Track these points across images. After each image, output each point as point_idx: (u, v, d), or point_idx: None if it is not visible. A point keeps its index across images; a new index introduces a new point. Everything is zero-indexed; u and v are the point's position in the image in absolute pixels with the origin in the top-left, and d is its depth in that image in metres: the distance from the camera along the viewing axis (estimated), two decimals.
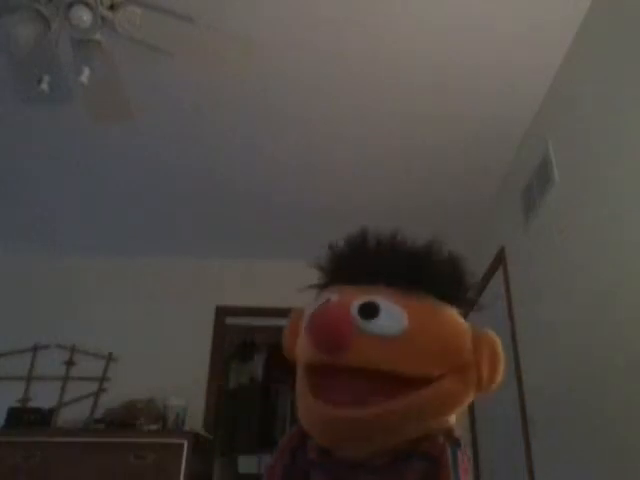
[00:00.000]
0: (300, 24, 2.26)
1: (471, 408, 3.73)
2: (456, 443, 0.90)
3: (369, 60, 2.43)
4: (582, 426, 2.18)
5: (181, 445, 3.15)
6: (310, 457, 0.95)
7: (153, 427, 3.34)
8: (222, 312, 4.11)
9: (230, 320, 4.15)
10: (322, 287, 1.05)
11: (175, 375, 3.70)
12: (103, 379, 3.82)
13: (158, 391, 3.56)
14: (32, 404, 3.66)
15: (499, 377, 0.93)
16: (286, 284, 4.14)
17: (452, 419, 0.95)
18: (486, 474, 3.47)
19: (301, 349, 0.95)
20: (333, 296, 0.93)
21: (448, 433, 0.91)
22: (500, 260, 3.26)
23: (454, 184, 3.31)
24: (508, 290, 3.11)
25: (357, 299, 0.89)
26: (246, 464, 4.47)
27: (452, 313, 0.95)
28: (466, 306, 0.98)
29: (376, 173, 3.24)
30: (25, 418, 3.37)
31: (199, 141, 2.99)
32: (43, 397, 3.67)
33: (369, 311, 0.87)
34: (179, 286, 4.17)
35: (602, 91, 2.08)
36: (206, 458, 3.68)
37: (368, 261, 0.98)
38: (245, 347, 4.80)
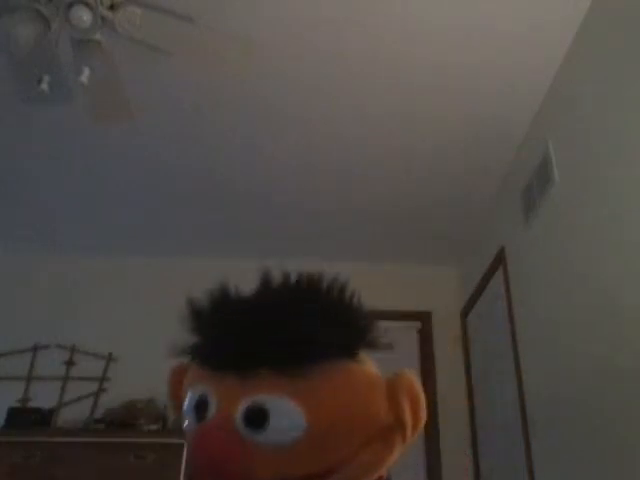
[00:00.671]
0: (300, 24, 2.26)
1: (471, 408, 3.73)
2: None
3: (369, 60, 2.44)
4: (582, 426, 2.18)
5: (181, 445, 3.15)
6: None
7: (153, 427, 3.34)
8: None
9: None
10: (190, 355, 0.87)
11: None
12: (103, 379, 3.81)
13: (158, 391, 3.56)
14: (32, 404, 3.65)
15: (423, 422, 0.78)
16: None
17: None
18: (486, 474, 3.47)
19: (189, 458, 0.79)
20: (208, 395, 0.77)
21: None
22: (500, 260, 3.26)
23: (454, 184, 3.31)
24: (508, 290, 3.11)
25: (240, 401, 0.72)
26: None
27: (356, 377, 0.77)
28: (373, 348, 0.79)
29: (376, 173, 3.24)
30: (25, 418, 3.37)
31: (199, 141, 2.99)
32: (43, 397, 3.66)
33: (257, 420, 0.70)
34: (179, 286, 4.14)
35: (602, 91, 2.08)
36: None
37: (241, 337, 0.75)
38: None
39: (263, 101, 2.69)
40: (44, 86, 1.87)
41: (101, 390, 3.78)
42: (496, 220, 3.41)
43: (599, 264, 2.07)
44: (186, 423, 0.80)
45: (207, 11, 2.10)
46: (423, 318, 3.96)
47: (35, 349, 3.86)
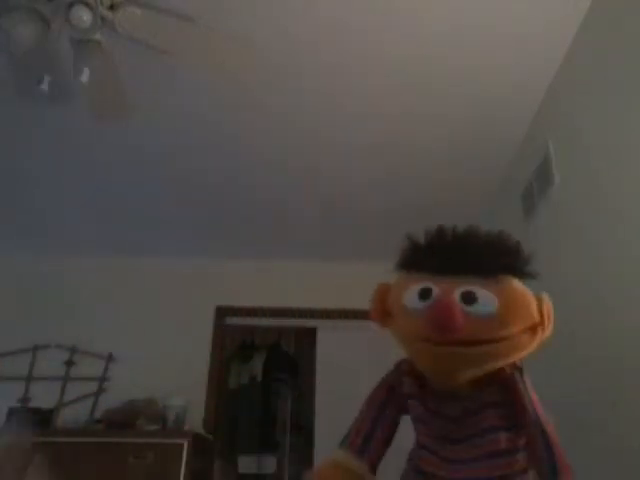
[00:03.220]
0: (300, 24, 2.26)
1: None
2: (518, 368, 1.25)
3: (369, 61, 2.43)
4: (582, 426, 2.18)
5: (181, 445, 3.15)
6: (406, 391, 1.27)
7: (153, 427, 3.34)
8: (222, 312, 4.11)
9: (230, 320, 4.15)
10: (404, 269, 1.29)
11: (175, 375, 3.70)
12: (103, 379, 3.82)
13: (158, 391, 3.56)
14: (32, 404, 3.66)
15: (551, 327, 1.21)
16: (286, 284, 4.16)
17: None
18: None
19: (412, 327, 1.17)
20: (430, 285, 1.17)
21: (513, 365, 1.24)
22: None
23: (454, 184, 3.31)
24: None
25: (456, 289, 1.13)
26: (246, 464, 4.46)
27: (521, 286, 1.20)
28: (527, 277, 1.22)
29: (376, 174, 3.24)
30: (25, 418, 3.37)
31: (198, 141, 2.99)
32: (43, 397, 3.67)
33: (469, 298, 1.12)
34: (179, 286, 4.17)
35: (602, 91, 2.08)
36: (206, 458, 3.68)
37: (459, 255, 1.20)
38: (245, 347, 4.80)
39: (263, 101, 2.69)
40: (44, 86, 1.87)
41: (101, 390, 3.79)
42: (496, 220, 3.41)
43: (599, 264, 2.07)
44: (409, 305, 1.18)
45: (207, 11, 2.10)
46: None
47: (35, 349, 3.86)
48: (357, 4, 2.17)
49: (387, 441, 1.29)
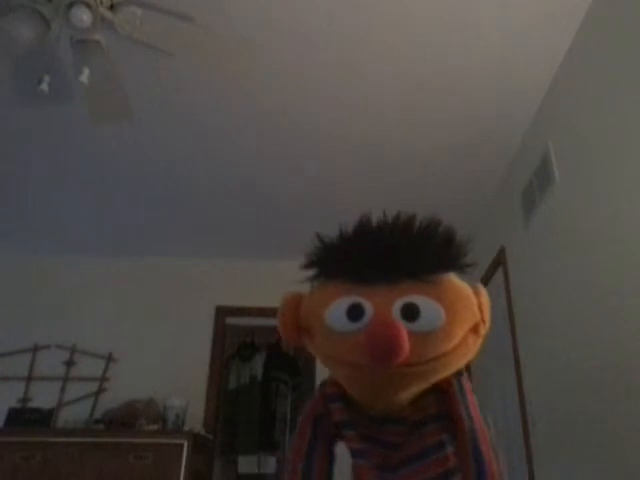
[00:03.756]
0: (300, 24, 2.26)
1: None
2: (458, 374, 1.07)
3: (369, 61, 2.43)
4: (582, 426, 2.18)
5: (181, 445, 3.15)
6: (337, 419, 1.07)
7: (153, 427, 3.34)
8: (222, 312, 4.11)
9: (230, 320, 4.15)
10: (320, 279, 1.06)
11: (175, 375, 3.70)
12: (103, 379, 3.82)
13: (158, 391, 3.56)
14: (32, 404, 3.66)
15: (489, 321, 1.06)
16: (286, 284, 4.16)
17: None
18: None
19: (341, 351, 0.97)
20: (360, 300, 0.97)
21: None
22: (500, 260, 3.26)
23: (454, 185, 3.31)
24: (508, 290, 3.11)
25: (393, 302, 0.95)
26: (246, 464, 4.47)
27: (461, 284, 1.05)
28: (466, 269, 1.07)
29: (377, 174, 3.24)
30: (25, 418, 3.38)
31: (199, 141, 2.99)
32: (43, 397, 3.67)
33: (411, 313, 0.94)
34: (179, 286, 4.17)
35: (602, 91, 2.08)
36: (206, 458, 3.68)
37: (388, 256, 0.99)
38: (245, 347, 4.81)
39: (263, 101, 2.68)
40: (44, 86, 1.87)
41: (101, 390, 3.79)
42: (496, 220, 3.41)
43: (599, 264, 2.07)
44: (334, 326, 0.98)
45: (207, 11, 2.10)
46: None
47: (35, 349, 3.86)
48: (357, 4, 2.16)
49: (327, 475, 1.11)
